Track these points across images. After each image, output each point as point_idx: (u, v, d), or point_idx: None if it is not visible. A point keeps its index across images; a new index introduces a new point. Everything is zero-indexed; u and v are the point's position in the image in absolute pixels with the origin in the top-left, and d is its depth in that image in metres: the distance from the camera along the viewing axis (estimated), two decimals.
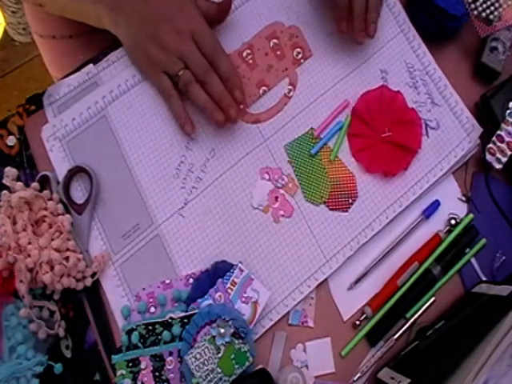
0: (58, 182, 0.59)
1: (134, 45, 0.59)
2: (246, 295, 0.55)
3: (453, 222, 0.61)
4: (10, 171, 0.58)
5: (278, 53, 0.63)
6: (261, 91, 0.62)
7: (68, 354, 0.56)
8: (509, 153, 0.61)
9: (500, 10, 0.63)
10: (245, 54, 0.62)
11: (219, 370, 0.50)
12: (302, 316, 0.57)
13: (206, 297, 0.54)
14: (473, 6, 0.63)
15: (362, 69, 0.64)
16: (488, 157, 0.61)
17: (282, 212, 0.59)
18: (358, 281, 0.59)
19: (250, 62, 0.62)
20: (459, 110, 0.63)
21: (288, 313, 0.57)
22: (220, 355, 0.51)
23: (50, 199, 0.57)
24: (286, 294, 0.57)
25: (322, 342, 0.57)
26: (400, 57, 0.64)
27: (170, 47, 0.56)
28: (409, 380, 0.50)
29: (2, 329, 0.54)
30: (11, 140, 0.62)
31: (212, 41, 0.57)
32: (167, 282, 0.57)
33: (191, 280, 0.56)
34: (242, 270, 0.55)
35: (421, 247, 0.60)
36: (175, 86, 0.58)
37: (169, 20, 0.57)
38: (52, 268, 0.53)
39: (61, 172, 0.59)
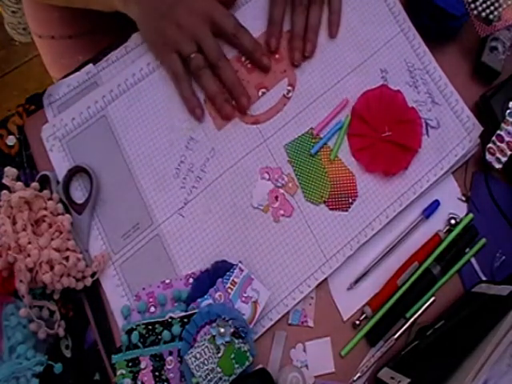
0: (57, 182, 0.59)
1: (147, 22, 0.59)
2: (245, 295, 0.55)
3: (453, 221, 0.61)
4: (10, 171, 0.58)
5: (277, 56, 0.63)
6: (260, 93, 0.62)
7: (68, 353, 0.56)
8: (509, 152, 0.61)
9: (500, 9, 0.63)
10: (243, 59, 0.62)
11: (219, 370, 0.50)
12: (301, 316, 0.57)
13: (205, 296, 0.54)
14: (472, 5, 0.63)
15: (362, 68, 0.64)
16: (488, 156, 0.61)
17: (281, 212, 0.59)
18: (357, 280, 0.59)
19: (249, 66, 0.62)
20: (460, 109, 0.63)
21: (288, 312, 0.57)
22: (220, 355, 0.51)
23: (50, 199, 0.57)
24: (285, 293, 0.57)
25: (322, 342, 0.57)
26: (400, 56, 0.64)
27: (185, 26, 0.56)
28: (409, 380, 0.50)
29: (1, 329, 0.54)
30: (11, 140, 0.62)
31: (231, 18, 0.58)
32: (167, 281, 0.57)
33: (191, 280, 0.56)
34: (241, 270, 0.55)
35: (421, 247, 0.60)
36: (186, 68, 0.58)
37: (185, 1, 0.57)
38: (52, 268, 0.53)
39: (61, 172, 0.59)
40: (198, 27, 0.57)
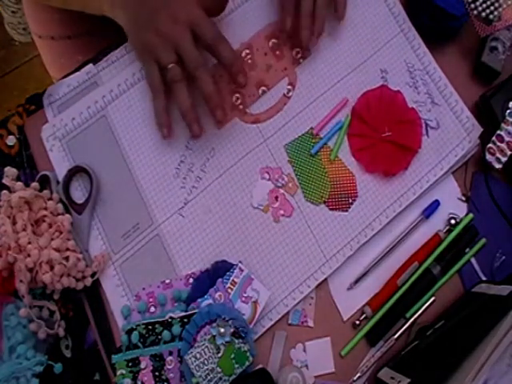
0: (57, 182, 0.59)
1: (132, 29, 0.58)
2: (245, 295, 0.55)
3: (453, 221, 0.61)
4: (10, 171, 0.58)
5: (278, 53, 0.63)
6: (260, 91, 0.62)
7: (68, 353, 0.56)
8: (509, 152, 0.61)
9: (500, 9, 0.63)
10: (243, 54, 0.62)
11: (219, 370, 0.50)
12: (301, 316, 0.57)
13: (205, 296, 0.54)
14: (472, 5, 0.63)
15: (362, 68, 0.64)
16: (488, 157, 0.61)
17: (281, 212, 0.59)
18: (357, 281, 0.59)
19: (249, 62, 0.62)
20: (459, 110, 0.63)
21: (288, 312, 0.57)
22: (220, 355, 0.51)
23: (50, 199, 0.57)
24: (285, 293, 0.57)
25: (322, 342, 0.57)
26: (400, 56, 0.64)
27: (166, 34, 0.55)
28: (409, 380, 0.50)
29: (1, 329, 0.54)
30: (11, 140, 0.62)
31: (212, 28, 0.56)
32: (167, 281, 0.57)
33: (191, 280, 0.56)
34: (241, 270, 0.55)
35: (420, 247, 0.60)
36: (165, 80, 0.57)
37: (166, 8, 0.55)
38: (52, 268, 0.53)
39: (61, 172, 0.59)
40: (179, 35, 0.55)
